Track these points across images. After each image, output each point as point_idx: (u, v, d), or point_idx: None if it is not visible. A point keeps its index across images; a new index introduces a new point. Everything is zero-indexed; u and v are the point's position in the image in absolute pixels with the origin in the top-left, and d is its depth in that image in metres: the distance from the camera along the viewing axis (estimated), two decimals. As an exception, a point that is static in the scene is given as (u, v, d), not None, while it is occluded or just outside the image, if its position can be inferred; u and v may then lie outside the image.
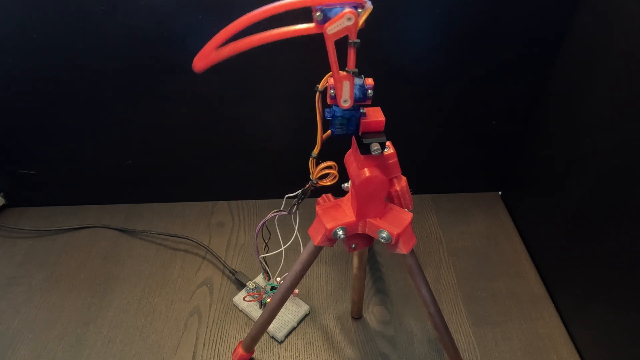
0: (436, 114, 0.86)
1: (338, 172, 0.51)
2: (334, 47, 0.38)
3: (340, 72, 0.41)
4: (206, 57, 0.38)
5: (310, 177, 0.51)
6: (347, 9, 0.36)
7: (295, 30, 0.37)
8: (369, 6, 0.37)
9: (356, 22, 0.36)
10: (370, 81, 0.43)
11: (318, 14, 0.37)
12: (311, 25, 0.38)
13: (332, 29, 0.37)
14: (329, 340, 0.74)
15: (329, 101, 0.43)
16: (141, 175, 0.93)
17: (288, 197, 0.56)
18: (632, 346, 0.60)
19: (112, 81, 0.77)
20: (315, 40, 0.43)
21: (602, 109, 0.65)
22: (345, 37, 0.38)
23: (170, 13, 0.70)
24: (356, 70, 0.40)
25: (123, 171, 0.91)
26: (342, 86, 0.41)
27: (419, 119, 0.86)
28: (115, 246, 0.89)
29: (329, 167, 0.50)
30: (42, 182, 0.93)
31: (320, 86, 0.45)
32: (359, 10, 0.37)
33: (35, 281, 0.82)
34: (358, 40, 0.38)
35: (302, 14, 0.38)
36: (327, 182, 0.51)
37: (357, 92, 0.43)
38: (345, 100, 0.42)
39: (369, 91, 0.43)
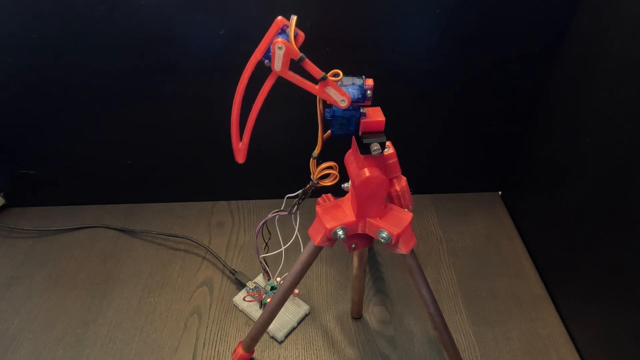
0: (436, 114, 0.86)
1: (338, 172, 0.51)
2: (294, 75, 0.41)
3: (317, 85, 0.42)
4: (238, 151, 0.45)
5: (311, 177, 0.51)
6: (274, 41, 0.39)
7: (266, 89, 0.42)
8: (292, 17, 0.40)
9: (288, 45, 0.39)
10: (370, 82, 0.43)
11: (266, 62, 0.40)
12: (272, 75, 0.41)
13: (277, 65, 0.40)
14: (329, 340, 0.74)
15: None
16: (141, 175, 0.93)
17: (289, 197, 0.56)
18: (632, 346, 0.60)
19: (112, 81, 0.77)
20: (312, 42, 0.43)
21: (602, 109, 0.65)
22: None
23: (170, 13, 0.70)
24: (325, 74, 0.41)
25: (123, 171, 0.91)
26: (329, 94, 0.42)
27: (419, 119, 0.86)
28: (115, 246, 0.89)
29: (330, 167, 0.50)
30: (42, 182, 0.93)
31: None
32: (287, 31, 0.39)
33: (35, 281, 0.82)
34: (302, 55, 0.40)
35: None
36: (327, 183, 0.51)
37: (356, 92, 0.43)
38: (343, 100, 0.42)
39: (368, 92, 0.43)
